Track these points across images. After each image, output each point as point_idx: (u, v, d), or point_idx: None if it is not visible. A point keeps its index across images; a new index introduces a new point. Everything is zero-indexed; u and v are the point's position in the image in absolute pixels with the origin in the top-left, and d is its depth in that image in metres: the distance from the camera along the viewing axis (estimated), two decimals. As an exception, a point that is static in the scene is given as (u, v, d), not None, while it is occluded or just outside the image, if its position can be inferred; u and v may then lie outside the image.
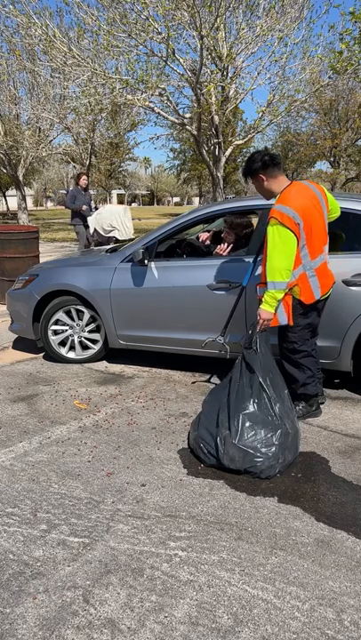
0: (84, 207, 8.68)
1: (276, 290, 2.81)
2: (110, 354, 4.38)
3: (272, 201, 3.01)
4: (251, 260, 3.57)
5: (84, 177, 9.10)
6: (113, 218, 8.18)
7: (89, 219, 8.40)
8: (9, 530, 2.18)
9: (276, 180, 2.94)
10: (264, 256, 2.91)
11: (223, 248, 4.05)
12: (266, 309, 2.85)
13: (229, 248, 4.03)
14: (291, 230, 2.76)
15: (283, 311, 2.96)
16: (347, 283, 3.30)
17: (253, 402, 2.65)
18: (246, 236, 4.04)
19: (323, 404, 3.38)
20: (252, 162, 2.95)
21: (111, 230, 8.23)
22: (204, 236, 4.47)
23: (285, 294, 2.90)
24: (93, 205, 9.39)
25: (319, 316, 3.13)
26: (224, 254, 4.01)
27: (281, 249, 2.77)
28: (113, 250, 4.59)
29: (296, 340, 3.06)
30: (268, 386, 2.71)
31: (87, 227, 8.55)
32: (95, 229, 8.23)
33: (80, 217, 8.85)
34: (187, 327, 3.85)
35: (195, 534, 2.14)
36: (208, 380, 3.96)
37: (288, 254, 2.78)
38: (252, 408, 2.63)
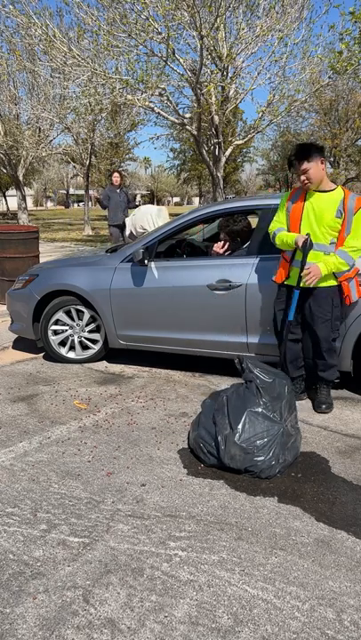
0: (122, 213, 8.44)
1: (344, 263, 2.97)
2: (110, 354, 4.38)
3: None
4: (251, 261, 3.57)
5: (116, 174, 8.74)
6: (144, 219, 7.42)
7: (126, 220, 7.91)
8: (9, 530, 2.18)
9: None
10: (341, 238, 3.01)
11: (221, 247, 4.04)
12: (322, 269, 2.95)
13: (228, 247, 4.03)
14: None
15: (355, 291, 3.14)
16: (347, 283, 3.30)
17: (256, 402, 2.65)
18: (244, 234, 4.03)
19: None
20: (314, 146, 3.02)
21: (142, 233, 7.41)
22: (218, 246, 4.17)
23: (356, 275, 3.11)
24: (138, 202, 9.02)
25: None
26: (224, 254, 4.00)
27: None
28: (113, 250, 4.60)
29: (338, 328, 3.24)
30: (270, 386, 2.71)
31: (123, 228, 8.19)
32: (131, 231, 7.68)
33: (115, 217, 8.58)
34: (187, 327, 3.85)
35: (195, 534, 2.14)
36: (208, 380, 3.97)
37: None
38: (254, 408, 2.63)
